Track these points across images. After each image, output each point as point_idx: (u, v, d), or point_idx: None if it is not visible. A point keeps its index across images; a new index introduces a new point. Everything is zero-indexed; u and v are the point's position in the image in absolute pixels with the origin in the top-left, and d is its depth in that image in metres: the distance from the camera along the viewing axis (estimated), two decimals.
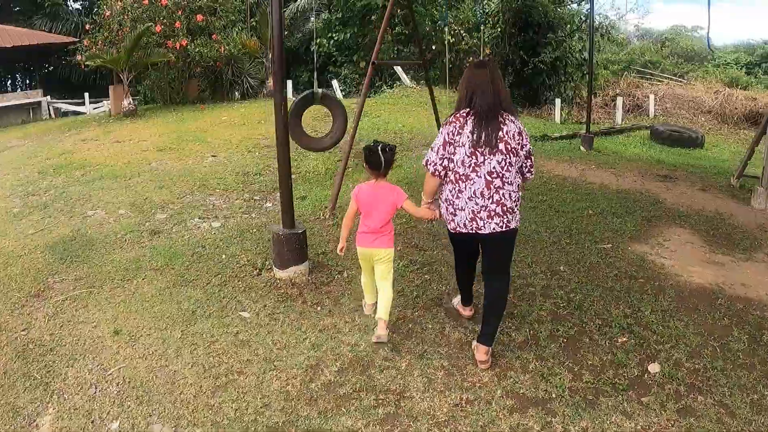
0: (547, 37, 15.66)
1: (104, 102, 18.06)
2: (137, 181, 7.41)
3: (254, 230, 5.55)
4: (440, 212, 3.33)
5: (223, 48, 15.26)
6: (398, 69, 16.52)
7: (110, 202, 6.45)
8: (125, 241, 5.31)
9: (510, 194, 3.08)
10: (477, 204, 3.04)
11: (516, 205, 3.15)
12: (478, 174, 3.01)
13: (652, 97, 15.49)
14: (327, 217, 5.85)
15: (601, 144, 11.52)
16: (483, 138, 2.98)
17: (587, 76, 18.62)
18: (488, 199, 3.03)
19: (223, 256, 4.89)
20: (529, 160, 3.19)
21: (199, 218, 6.02)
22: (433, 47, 16.96)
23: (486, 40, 15.11)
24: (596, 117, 15.94)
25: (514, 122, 3.07)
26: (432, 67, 17.69)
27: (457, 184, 3.07)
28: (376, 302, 3.58)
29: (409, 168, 8.19)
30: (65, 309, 3.98)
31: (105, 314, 3.84)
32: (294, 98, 17.60)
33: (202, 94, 16.16)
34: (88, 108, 19.14)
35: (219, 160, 8.73)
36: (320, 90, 7.10)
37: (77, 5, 27.08)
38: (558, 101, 14.54)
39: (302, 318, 3.81)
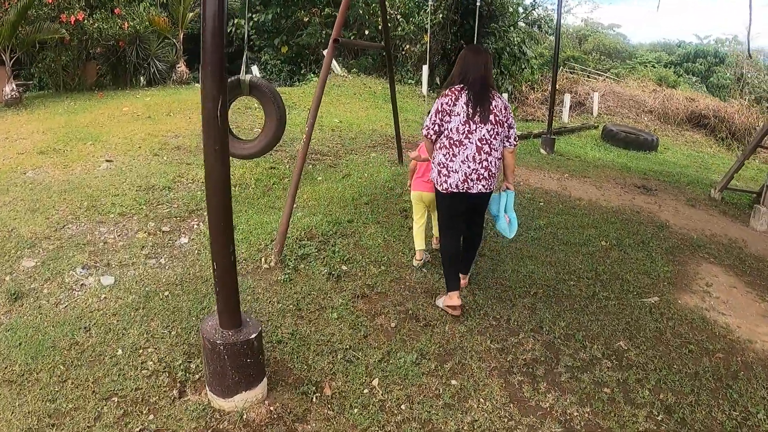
0: (490, 26, 14.46)
1: None
2: (3, 201, 5.31)
3: (165, 293, 3.74)
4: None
5: (126, 24, 12.91)
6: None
7: None
8: None
9: (495, 162, 3.49)
10: (469, 167, 3.41)
11: (497, 172, 3.57)
12: (471, 140, 3.40)
13: (596, 95, 14.73)
14: (272, 265, 4.11)
15: (557, 145, 10.46)
16: (477, 109, 3.38)
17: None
18: (479, 163, 3.41)
19: (119, 352, 3.08)
20: (512, 131, 3.55)
21: (83, 268, 4.12)
22: (366, 32, 15.34)
23: (426, 26, 13.67)
24: (540, 115, 15.00)
25: (500, 98, 3.51)
26: (365, 54, 16.09)
27: (451, 149, 3.43)
28: (424, 250, 4.25)
29: (359, 176, 6.58)
30: None
31: None
32: None
33: (102, 79, 13.72)
34: None
35: (116, 168, 6.70)
36: (249, 76, 5.33)
37: None
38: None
39: None
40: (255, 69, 15.49)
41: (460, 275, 3.76)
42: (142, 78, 14.19)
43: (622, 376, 3.10)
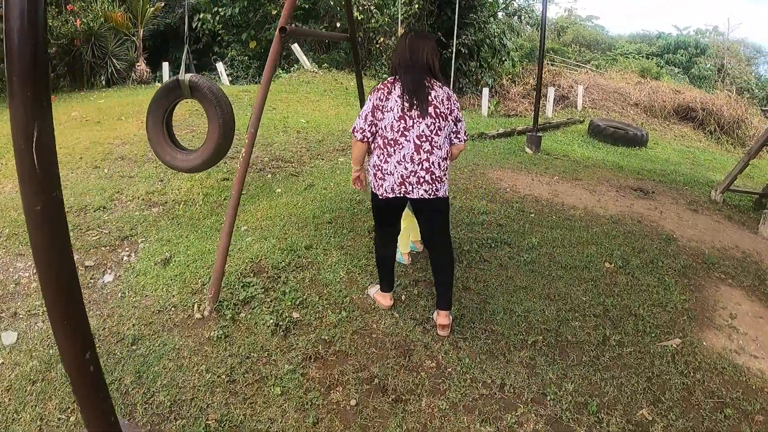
0: (469, 17, 13.70)
1: None
2: None
3: None
4: (366, 181, 3.28)
5: (79, 22, 11.98)
6: (296, 48, 13.85)
7: None
8: None
9: (439, 163, 3.04)
10: (406, 168, 3.01)
11: (444, 174, 3.10)
12: (407, 138, 2.99)
13: (580, 88, 14.04)
14: (205, 315, 3.29)
15: (542, 142, 9.74)
16: (413, 102, 2.96)
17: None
18: (418, 164, 3.00)
19: None
20: (457, 125, 3.12)
21: None
22: (338, 24, 14.47)
23: (401, 17, 12.86)
24: (522, 109, 14.31)
25: (442, 87, 3.06)
26: (337, 48, 15.23)
27: (385, 149, 3.03)
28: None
29: (323, 186, 5.79)
30: None
31: None
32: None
33: (62, 80, 12.79)
34: None
35: None
36: (189, 75, 4.51)
37: None
38: (486, 91, 12.63)
39: None
40: (221, 66, 14.56)
41: (441, 312, 3.24)
42: (103, 78, 13.26)
43: None
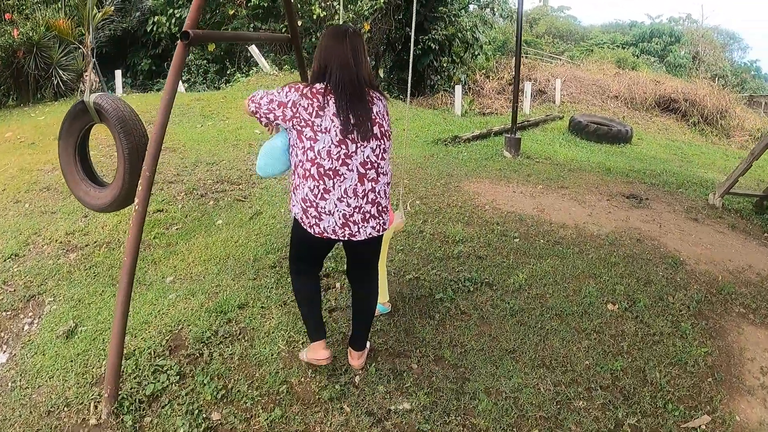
0: (438, 10, 12.94)
1: None
2: None
3: None
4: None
5: (17, 32, 11.03)
6: (255, 51, 12.94)
7: None
8: None
9: (385, 191, 2.53)
10: (349, 205, 2.41)
11: (389, 202, 2.62)
12: (350, 167, 2.38)
13: (558, 81, 13.38)
14: (101, 420, 2.48)
15: (522, 143, 9.00)
16: (354, 122, 2.35)
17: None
18: (362, 198, 2.43)
19: None
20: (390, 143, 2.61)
21: None
22: (299, 24, 13.60)
23: (366, 13, 12.05)
24: (498, 106, 13.62)
25: (381, 100, 2.52)
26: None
27: (321, 181, 2.37)
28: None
29: (272, 214, 5.00)
30: None
31: None
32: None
33: (10, 95, 11.85)
34: None
35: None
36: (95, 95, 3.66)
37: None
38: (459, 89, 11.88)
39: None
40: None
41: (354, 353, 2.83)
42: (51, 91, 12.29)
43: None
